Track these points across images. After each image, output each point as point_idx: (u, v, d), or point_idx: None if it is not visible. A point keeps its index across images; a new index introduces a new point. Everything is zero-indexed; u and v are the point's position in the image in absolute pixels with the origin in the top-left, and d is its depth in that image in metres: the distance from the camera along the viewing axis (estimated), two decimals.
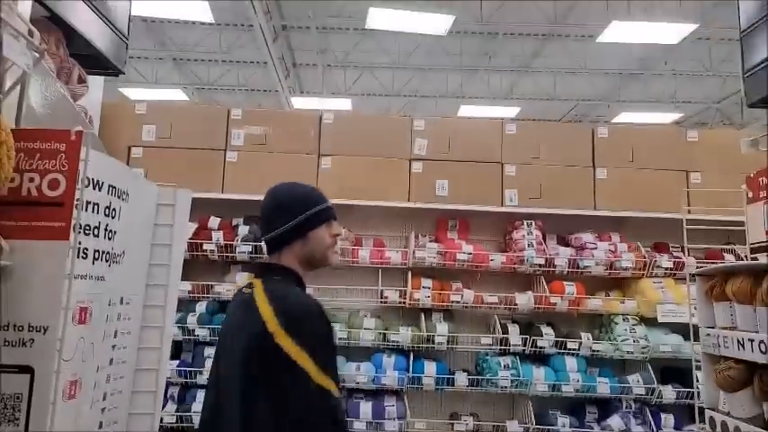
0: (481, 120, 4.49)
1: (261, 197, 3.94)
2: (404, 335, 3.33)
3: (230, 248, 3.41)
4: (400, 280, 3.59)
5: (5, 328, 0.87)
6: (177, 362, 3.28)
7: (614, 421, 3.18)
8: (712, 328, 1.75)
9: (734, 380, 1.60)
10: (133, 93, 10.31)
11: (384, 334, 3.36)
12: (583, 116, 12.70)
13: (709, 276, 1.77)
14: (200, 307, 3.39)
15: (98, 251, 1.01)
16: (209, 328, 3.29)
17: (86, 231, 0.97)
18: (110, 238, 1.06)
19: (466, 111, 10.88)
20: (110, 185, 1.04)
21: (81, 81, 1.29)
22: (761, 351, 1.48)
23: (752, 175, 1.79)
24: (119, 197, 1.08)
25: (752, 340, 1.54)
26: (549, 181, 3.56)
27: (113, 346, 1.14)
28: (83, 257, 0.96)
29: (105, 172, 1.03)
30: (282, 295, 1.41)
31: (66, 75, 1.22)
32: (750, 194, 1.79)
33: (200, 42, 9.84)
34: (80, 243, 0.94)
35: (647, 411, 3.22)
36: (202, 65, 11.01)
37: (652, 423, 3.17)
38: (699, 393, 2.63)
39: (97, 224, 1.01)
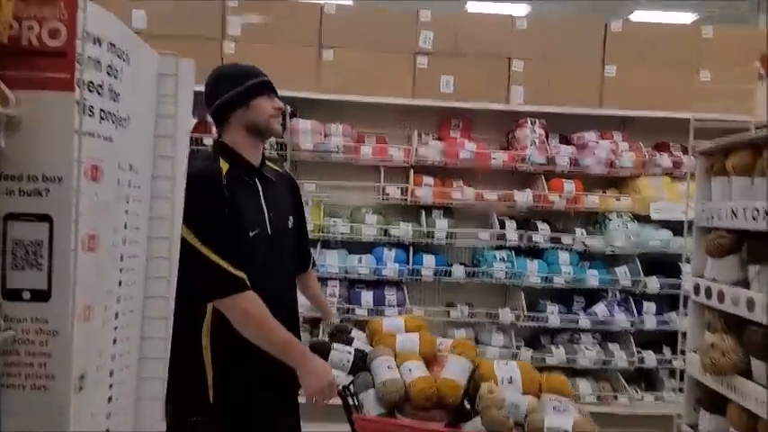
0: (491, 14, 4.29)
1: None
2: (404, 230, 3.41)
3: None
4: (402, 177, 3.61)
5: (19, 178, 0.89)
6: None
7: (599, 308, 3.38)
8: (709, 201, 1.82)
9: (723, 247, 1.70)
10: None
11: (385, 229, 3.44)
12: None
13: (711, 154, 1.80)
14: None
15: (104, 111, 1.01)
16: None
17: (90, 88, 0.96)
18: (114, 100, 1.05)
19: (473, 7, 10.30)
20: (110, 43, 1.01)
21: None
22: (752, 218, 1.55)
23: (766, 54, 1.76)
24: (120, 57, 1.06)
25: (745, 208, 1.61)
26: (557, 78, 3.47)
27: (126, 212, 1.17)
28: (89, 115, 0.96)
29: (104, 27, 1.00)
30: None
31: None
32: (763, 72, 1.77)
33: None
34: (85, 99, 0.94)
35: (631, 300, 3.41)
36: None
37: (634, 310, 3.37)
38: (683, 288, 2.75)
39: (101, 82, 0.99)
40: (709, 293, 1.75)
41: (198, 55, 3.70)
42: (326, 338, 1.92)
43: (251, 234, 1.62)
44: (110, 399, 1.12)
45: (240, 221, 1.60)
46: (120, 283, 1.19)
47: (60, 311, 0.91)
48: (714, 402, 1.89)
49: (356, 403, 1.64)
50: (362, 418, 1.58)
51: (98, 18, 0.97)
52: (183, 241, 1.45)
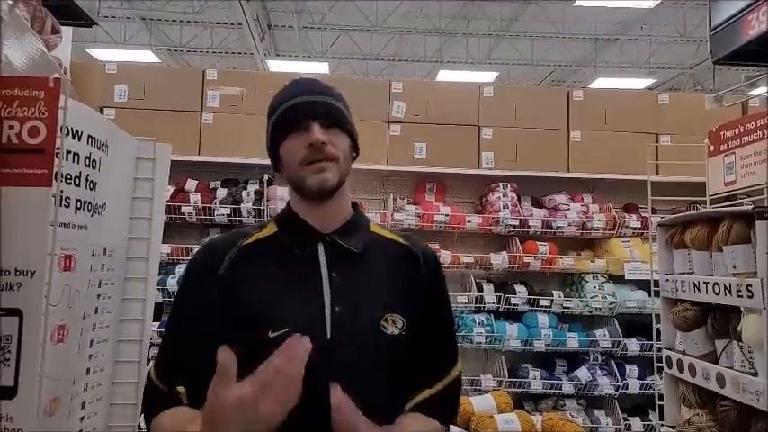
0: (459, 83, 4.50)
1: (238, 159, 3.87)
2: None
3: (208, 211, 3.41)
4: None
5: None
6: (158, 323, 3.31)
7: (582, 373, 3.35)
8: (671, 274, 1.86)
9: (689, 320, 1.72)
10: (101, 53, 9.94)
11: None
12: (560, 82, 12.74)
13: (670, 226, 1.87)
14: (181, 269, 3.41)
15: (80, 200, 1.03)
16: None
17: (68, 180, 0.98)
18: (91, 189, 1.07)
19: (444, 75, 10.81)
20: (89, 135, 1.05)
21: (54, 31, 1.26)
22: (714, 293, 1.59)
23: (714, 130, 1.88)
24: (98, 148, 1.09)
25: (707, 283, 1.66)
26: (525, 144, 3.62)
27: (98, 296, 1.16)
28: (65, 206, 0.98)
29: (84, 122, 1.04)
30: None
31: (39, 24, 1.20)
32: (711, 148, 1.89)
33: (170, 1, 9.49)
34: (62, 191, 0.96)
35: (613, 363, 3.39)
36: (174, 26, 10.64)
37: (617, 373, 3.35)
38: (656, 348, 2.77)
39: (78, 174, 1.02)
40: (681, 367, 1.76)
41: (177, 126, 3.80)
42: None
43: (271, 335, 0.98)
44: None
45: (237, 312, 1.01)
46: (88, 371, 1.16)
47: (26, 408, 0.89)
48: None
49: None
50: None
51: (78, 113, 1.00)
52: None
